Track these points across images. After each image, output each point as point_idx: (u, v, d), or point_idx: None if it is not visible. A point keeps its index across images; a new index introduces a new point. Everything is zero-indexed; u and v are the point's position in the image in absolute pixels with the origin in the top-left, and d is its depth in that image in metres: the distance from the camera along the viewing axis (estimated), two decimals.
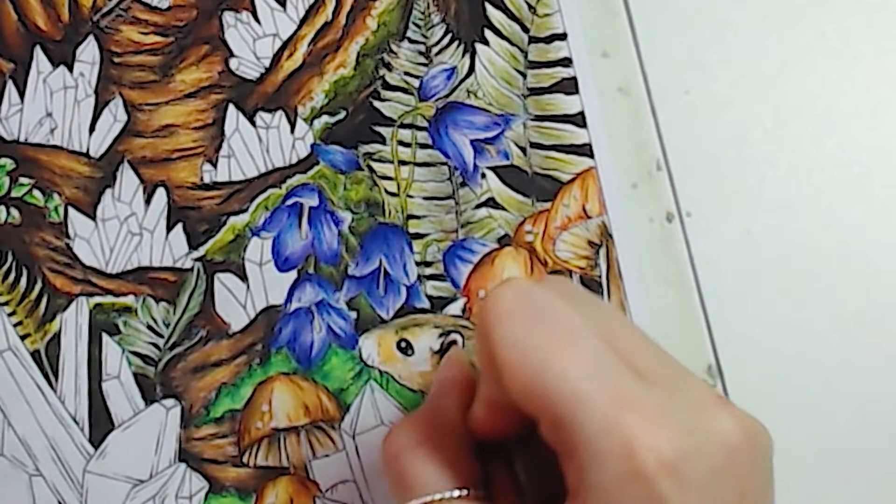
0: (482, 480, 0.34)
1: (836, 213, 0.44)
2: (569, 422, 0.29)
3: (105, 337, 0.44)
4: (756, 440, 0.30)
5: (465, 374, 0.37)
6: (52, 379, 0.44)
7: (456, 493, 0.32)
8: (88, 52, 0.45)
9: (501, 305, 0.31)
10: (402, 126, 0.44)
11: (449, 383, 0.37)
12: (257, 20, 0.45)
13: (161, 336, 0.44)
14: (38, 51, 0.45)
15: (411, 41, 0.45)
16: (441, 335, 0.43)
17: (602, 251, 0.43)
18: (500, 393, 0.31)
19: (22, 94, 0.45)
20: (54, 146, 0.45)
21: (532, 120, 0.44)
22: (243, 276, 0.44)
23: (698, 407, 0.30)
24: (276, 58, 0.45)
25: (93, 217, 0.44)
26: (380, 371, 0.43)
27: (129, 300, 0.44)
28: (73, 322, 0.44)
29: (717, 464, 0.29)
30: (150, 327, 0.44)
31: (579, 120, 0.44)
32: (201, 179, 0.45)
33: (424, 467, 0.33)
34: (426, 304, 0.43)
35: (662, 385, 0.30)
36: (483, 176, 0.44)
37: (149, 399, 0.43)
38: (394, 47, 0.45)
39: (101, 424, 0.43)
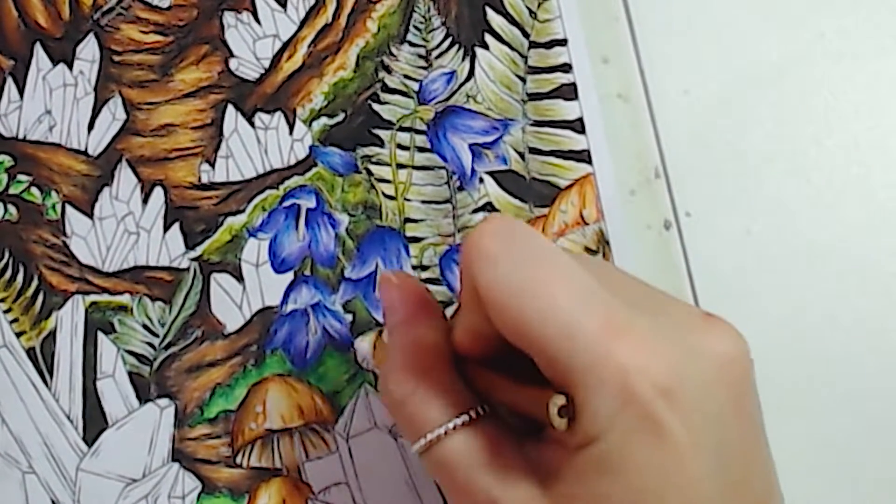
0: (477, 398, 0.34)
1: (835, 213, 0.44)
2: (562, 356, 0.29)
3: (100, 335, 0.44)
4: (746, 352, 0.31)
5: (422, 294, 0.37)
6: (47, 376, 0.44)
7: (460, 420, 0.33)
8: (88, 49, 0.45)
9: (483, 247, 0.31)
10: (401, 129, 0.44)
11: (413, 308, 0.36)
12: (258, 21, 0.45)
13: (156, 335, 0.44)
14: (38, 48, 0.45)
15: (411, 44, 0.45)
16: None
17: (599, 258, 0.43)
18: (486, 326, 0.32)
19: (21, 91, 0.45)
20: (53, 144, 0.45)
21: (531, 125, 0.44)
22: (239, 277, 0.44)
23: (688, 326, 0.31)
24: (276, 59, 0.45)
25: (90, 215, 0.44)
26: (374, 374, 0.43)
27: (124, 299, 0.44)
28: (69, 320, 0.44)
29: (710, 379, 0.30)
30: (145, 326, 0.44)
31: (578, 126, 0.44)
32: (199, 179, 0.45)
33: (429, 405, 0.33)
34: None
35: (651, 309, 0.31)
36: (481, 180, 0.44)
37: (143, 398, 0.43)
38: (394, 50, 0.45)
39: (94, 423, 0.43)
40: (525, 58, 0.44)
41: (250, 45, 0.45)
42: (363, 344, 0.43)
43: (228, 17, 0.45)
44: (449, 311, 0.43)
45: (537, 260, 0.31)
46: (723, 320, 0.32)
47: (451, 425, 0.32)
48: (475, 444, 0.32)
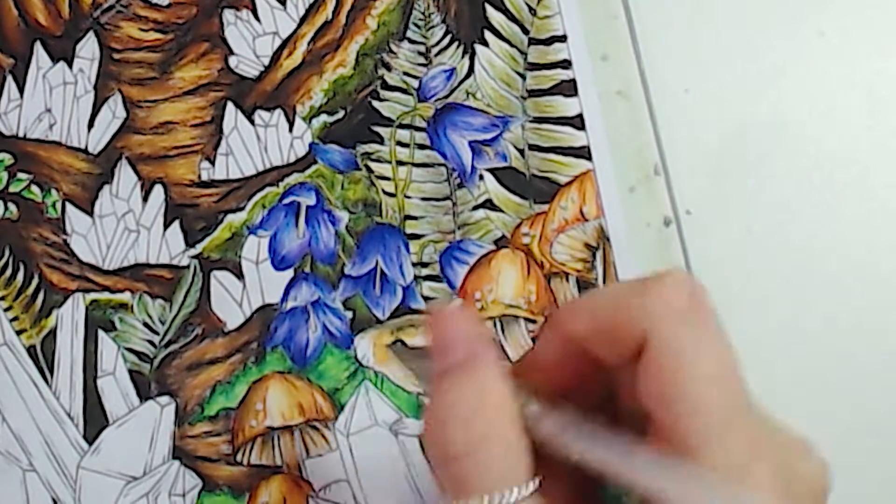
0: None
1: (835, 212, 0.44)
2: (696, 453, 0.28)
3: (101, 333, 0.44)
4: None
5: (481, 331, 0.34)
6: (48, 374, 0.44)
7: (520, 492, 0.30)
8: (88, 48, 0.45)
9: (673, 301, 0.30)
10: (401, 126, 0.44)
11: (473, 349, 0.32)
12: (257, 18, 0.45)
13: (157, 333, 0.44)
14: (38, 46, 0.45)
15: (411, 41, 0.45)
16: None
17: (599, 254, 0.43)
18: (611, 358, 0.31)
19: (21, 90, 0.45)
20: (53, 142, 0.45)
21: (531, 122, 0.44)
22: (240, 275, 0.44)
23: (797, 454, 0.31)
24: (276, 56, 0.45)
25: (90, 213, 0.44)
26: (375, 371, 0.43)
27: (125, 297, 0.44)
28: (70, 318, 0.44)
29: None
30: (145, 324, 0.44)
31: (578, 122, 0.44)
32: (199, 177, 0.45)
33: (488, 468, 0.30)
34: (422, 305, 0.43)
35: (775, 433, 0.31)
36: (481, 177, 0.44)
37: (143, 396, 0.43)
38: (393, 47, 0.45)
39: (95, 421, 0.43)
40: (525, 54, 0.44)
41: (250, 42, 0.45)
42: (363, 341, 0.43)
43: (228, 15, 0.45)
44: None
45: (716, 342, 0.30)
46: (818, 451, 0.32)
47: (512, 497, 0.30)
48: None
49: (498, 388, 0.31)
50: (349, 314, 0.43)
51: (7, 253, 0.44)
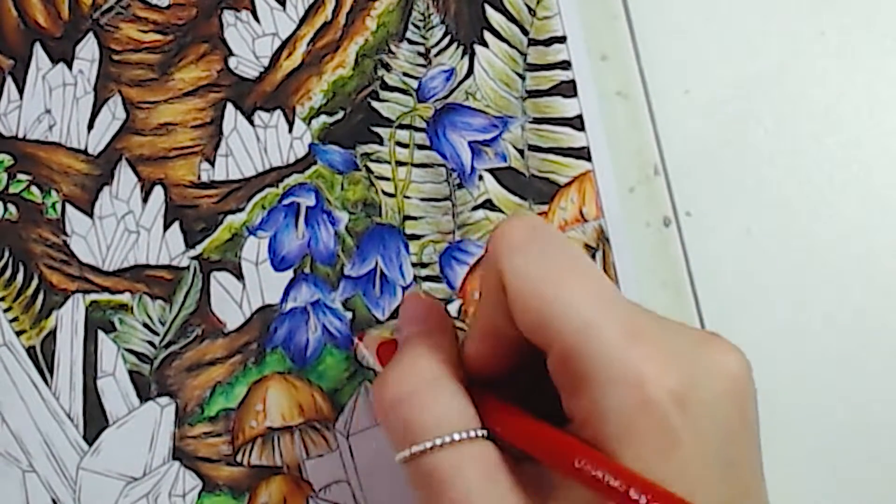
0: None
1: (836, 212, 0.44)
2: (580, 351, 0.29)
3: (100, 334, 0.44)
4: (750, 369, 0.31)
5: (445, 316, 0.37)
6: (48, 375, 0.44)
7: (460, 434, 0.32)
8: (88, 49, 0.45)
9: (512, 236, 0.32)
10: (401, 127, 0.44)
11: (430, 321, 0.36)
12: (257, 19, 0.45)
13: (156, 334, 0.44)
14: (37, 47, 0.45)
15: (410, 42, 0.45)
16: None
17: (599, 255, 0.43)
18: (504, 323, 0.32)
19: (21, 91, 0.45)
20: (53, 143, 0.45)
21: (530, 122, 0.44)
22: (239, 275, 0.44)
23: (696, 340, 0.31)
24: (275, 57, 0.45)
25: (90, 214, 0.44)
26: (375, 372, 0.43)
27: (125, 298, 0.44)
28: (69, 319, 0.44)
29: (719, 392, 0.30)
30: (145, 325, 0.44)
31: (577, 123, 0.44)
32: (199, 178, 0.45)
33: (429, 412, 0.32)
34: None
35: (660, 322, 0.31)
36: (480, 178, 0.44)
37: (143, 397, 0.43)
38: (393, 48, 0.45)
39: (95, 421, 0.43)
40: (524, 55, 0.44)
41: (249, 43, 0.45)
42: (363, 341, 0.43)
43: (227, 16, 0.45)
44: (452, 307, 0.43)
45: (562, 255, 0.31)
46: (726, 339, 0.32)
47: (448, 438, 0.31)
48: (473, 460, 0.31)
49: (446, 349, 0.34)
50: (349, 315, 0.43)
51: (7, 254, 0.44)
